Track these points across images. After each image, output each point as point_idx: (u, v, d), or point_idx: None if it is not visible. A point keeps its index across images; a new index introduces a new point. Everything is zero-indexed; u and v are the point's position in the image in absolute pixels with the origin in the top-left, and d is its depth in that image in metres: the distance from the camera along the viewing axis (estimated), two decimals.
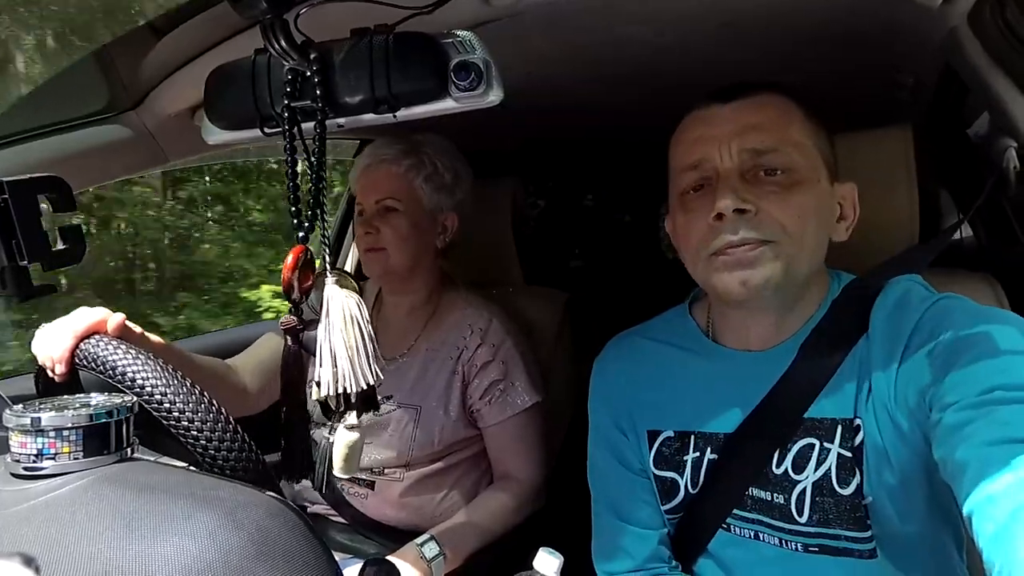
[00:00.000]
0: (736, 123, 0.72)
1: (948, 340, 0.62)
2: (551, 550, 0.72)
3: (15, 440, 0.47)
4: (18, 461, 0.47)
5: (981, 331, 0.61)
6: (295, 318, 0.66)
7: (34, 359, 0.77)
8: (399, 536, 1.09)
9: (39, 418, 0.46)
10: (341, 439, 0.65)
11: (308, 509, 1.20)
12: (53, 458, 0.46)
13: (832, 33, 0.91)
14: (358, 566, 0.86)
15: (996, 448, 0.51)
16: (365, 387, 0.59)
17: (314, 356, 0.61)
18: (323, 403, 0.63)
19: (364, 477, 1.16)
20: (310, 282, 0.63)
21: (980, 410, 0.54)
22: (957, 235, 0.96)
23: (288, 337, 0.68)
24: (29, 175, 0.50)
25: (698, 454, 0.78)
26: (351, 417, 0.64)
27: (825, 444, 0.71)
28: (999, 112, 0.78)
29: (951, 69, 0.91)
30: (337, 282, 0.60)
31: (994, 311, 0.67)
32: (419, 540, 1.03)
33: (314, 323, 0.63)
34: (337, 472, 0.67)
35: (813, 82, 0.78)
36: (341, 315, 0.59)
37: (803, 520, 0.72)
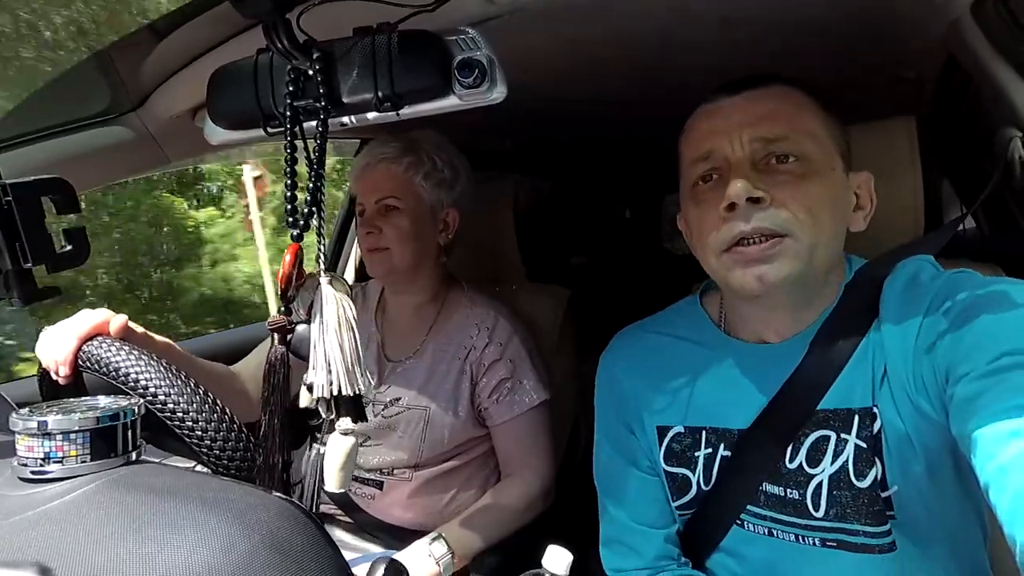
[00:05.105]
0: (746, 112, 0.71)
1: (959, 311, 0.61)
2: (560, 547, 0.71)
3: (22, 444, 0.46)
4: (25, 465, 0.46)
5: (990, 299, 0.60)
6: (284, 318, 0.64)
7: (38, 362, 0.77)
8: (406, 535, 1.09)
9: (46, 421, 0.46)
10: (335, 446, 0.60)
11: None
12: (60, 462, 0.46)
13: (834, 26, 0.91)
14: (366, 566, 0.86)
15: (1006, 416, 0.50)
16: (356, 393, 0.57)
17: (301, 359, 0.59)
18: (312, 409, 0.60)
19: (373, 478, 1.16)
20: (301, 281, 0.62)
21: (991, 379, 0.53)
22: (960, 226, 0.95)
23: (276, 336, 0.65)
24: (33, 177, 0.50)
25: (710, 450, 0.77)
26: (346, 422, 0.59)
27: (842, 436, 0.69)
28: (1003, 102, 0.77)
29: (953, 60, 0.91)
30: (331, 283, 0.58)
31: (1005, 280, 0.64)
32: (427, 538, 1.03)
33: (302, 324, 0.62)
34: (330, 486, 0.61)
35: (814, 75, 0.77)
36: (335, 317, 0.58)
37: (820, 515, 0.70)
